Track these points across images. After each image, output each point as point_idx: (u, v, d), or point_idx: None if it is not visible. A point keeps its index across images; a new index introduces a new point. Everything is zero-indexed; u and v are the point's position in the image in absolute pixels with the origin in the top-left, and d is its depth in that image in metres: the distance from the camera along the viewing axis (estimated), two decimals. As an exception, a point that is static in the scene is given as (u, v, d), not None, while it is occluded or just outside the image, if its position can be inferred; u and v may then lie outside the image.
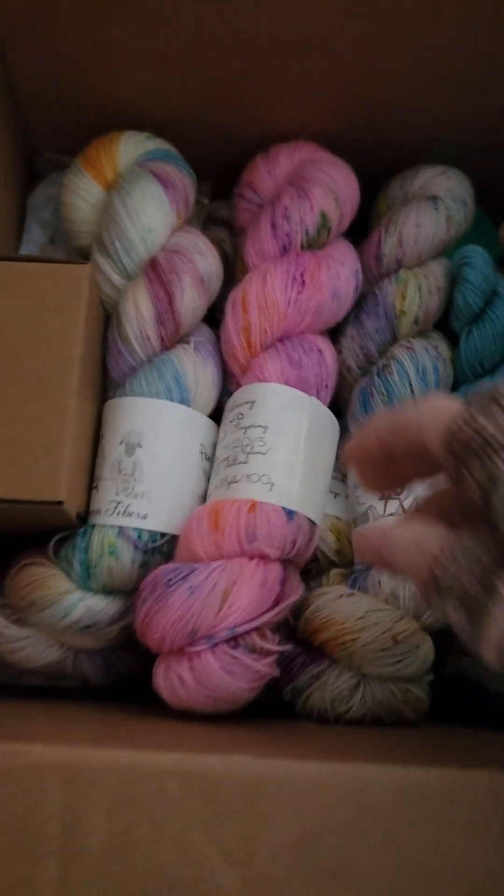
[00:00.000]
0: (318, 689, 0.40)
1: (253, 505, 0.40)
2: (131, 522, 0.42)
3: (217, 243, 0.54)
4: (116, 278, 0.46)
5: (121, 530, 0.42)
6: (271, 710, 0.43)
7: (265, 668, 0.38)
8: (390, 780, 0.29)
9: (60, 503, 0.38)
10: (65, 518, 0.41)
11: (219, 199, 0.57)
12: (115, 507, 0.43)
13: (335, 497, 0.48)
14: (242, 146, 0.53)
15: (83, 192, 0.49)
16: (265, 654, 0.38)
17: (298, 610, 0.42)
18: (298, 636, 0.42)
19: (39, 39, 0.46)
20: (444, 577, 0.25)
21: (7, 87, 0.49)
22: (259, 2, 0.42)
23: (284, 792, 0.29)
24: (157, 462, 0.43)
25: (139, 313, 0.44)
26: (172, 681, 0.37)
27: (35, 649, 0.43)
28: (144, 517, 0.42)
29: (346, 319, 0.52)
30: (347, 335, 0.49)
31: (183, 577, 0.38)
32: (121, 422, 0.44)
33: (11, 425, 0.39)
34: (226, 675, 0.37)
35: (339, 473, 0.49)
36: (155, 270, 0.45)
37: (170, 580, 0.38)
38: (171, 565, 0.40)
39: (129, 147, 0.49)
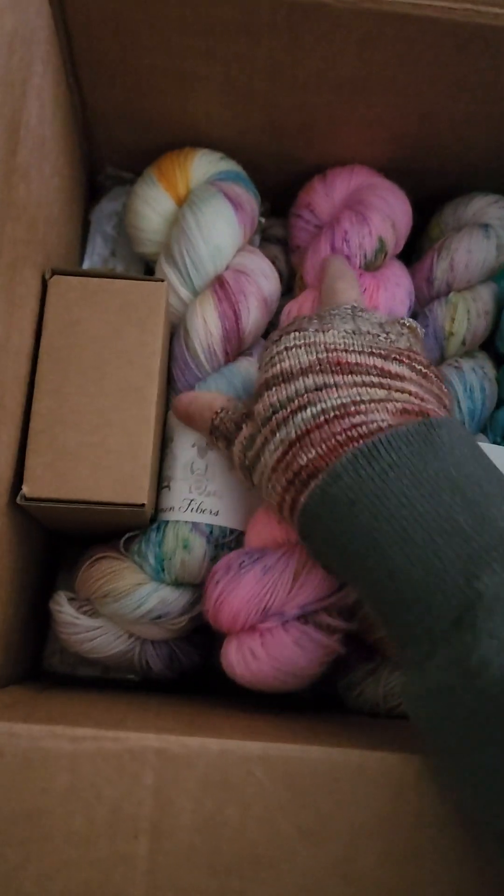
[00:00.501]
0: (372, 684, 0.42)
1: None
2: (204, 519, 0.46)
3: (272, 260, 0.57)
4: (183, 291, 0.49)
5: (194, 525, 0.45)
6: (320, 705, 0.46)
7: (334, 643, 0.41)
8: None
9: (142, 505, 0.41)
10: (141, 518, 0.43)
11: (273, 217, 0.60)
12: (189, 504, 0.46)
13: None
14: (299, 169, 0.56)
15: (154, 202, 0.51)
16: (333, 631, 0.41)
17: (353, 609, 0.45)
18: (352, 635, 0.44)
19: (113, 61, 0.48)
20: (219, 422, 0.42)
21: (78, 104, 0.52)
22: (328, 43, 0.44)
23: (358, 779, 0.32)
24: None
25: (207, 329, 0.47)
26: (244, 655, 0.40)
27: (105, 639, 0.46)
28: (216, 514, 0.46)
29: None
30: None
31: (256, 560, 0.41)
32: None
33: (97, 432, 0.42)
34: (297, 648, 0.39)
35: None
36: (223, 289, 0.48)
37: (242, 562, 0.41)
38: (241, 550, 0.43)
39: (203, 165, 0.51)
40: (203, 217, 0.48)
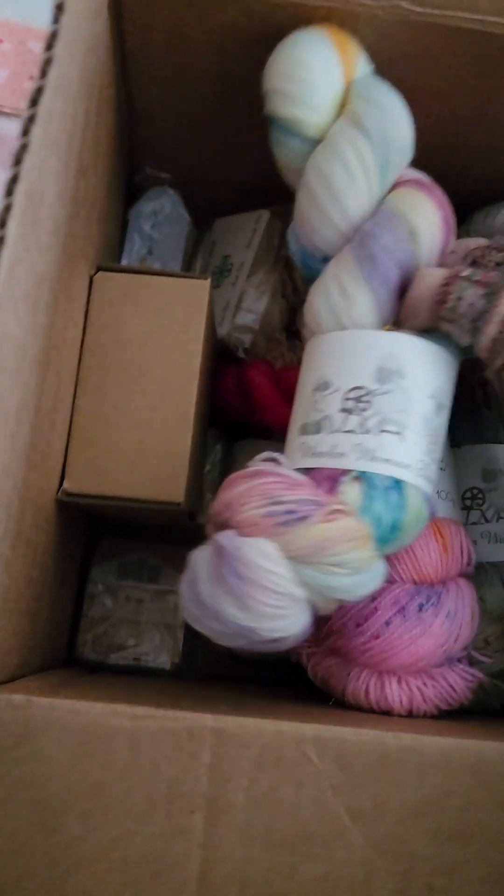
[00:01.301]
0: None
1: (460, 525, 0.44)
2: (430, 489, 0.39)
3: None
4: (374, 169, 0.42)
5: (425, 497, 0.38)
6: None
7: (479, 674, 0.42)
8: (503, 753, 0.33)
9: (179, 504, 0.42)
10: (178, 517, 0.44)
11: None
12: (421, 470, 0.38)
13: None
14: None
15: (327, 66, 0.43)
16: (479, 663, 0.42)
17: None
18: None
19: (164, 63, 0.49)
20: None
21: (125, 104, 0.53)
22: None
23: (410, 762, 0.33)
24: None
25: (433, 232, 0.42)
26: (412, 696, 0.40)
27: (297, 619, 0.36)
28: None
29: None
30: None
31: (435, 603, 0.40)
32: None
33: (137, 430, 0.43)
34: (462, 686, 0.41)
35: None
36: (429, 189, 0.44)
37: (421, 605, 0.40)
38: (409, 588, 0.41)
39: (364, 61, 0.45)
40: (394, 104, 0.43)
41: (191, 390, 0.44)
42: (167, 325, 0.45)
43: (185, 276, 0.47)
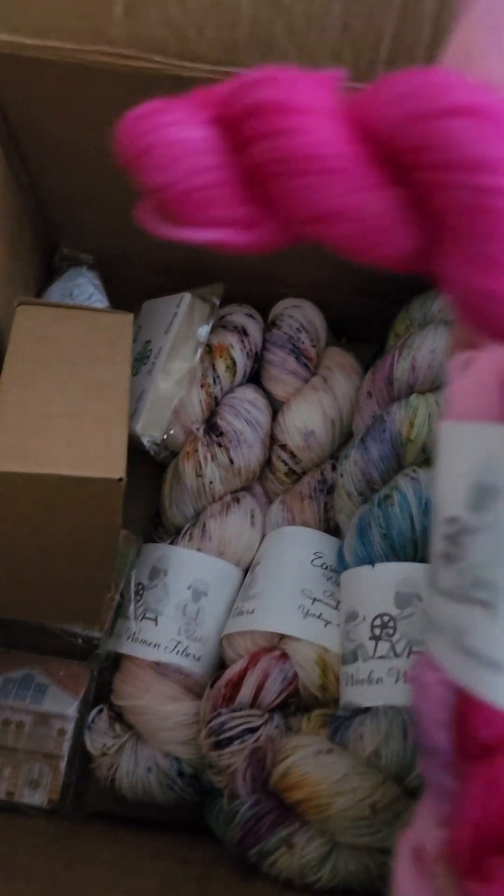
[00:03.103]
0: (287, 855, 0.36)
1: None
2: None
3: (227, 347, 0.54)
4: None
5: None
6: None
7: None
8: None
9: (120, 480, 0.37)
10: (115, 497, 0.39)
11: (232, 304, 0.57)
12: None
13: (326, 626, 0.45)
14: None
15: None
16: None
17: (274, 757, 0.39)
18: (270, 787, 0.38)
19: (56, 141, 0.46)
20: None
21: (26, 185, 0.50)
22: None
23: None
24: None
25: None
26: None
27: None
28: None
29: (349, 442, 0.51)
30: (350, 459, 0.47)
31: None
32: None
33: (70, 418, 0.39)
34: None
35: (335, 600, 0.46)
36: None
37: None
38: None
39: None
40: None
41: (123, 385, 0.41)
42: (95, 341, 0.43)
43: (108, 311, 0.46)
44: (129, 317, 0.45)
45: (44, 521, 0.39)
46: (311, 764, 0.37)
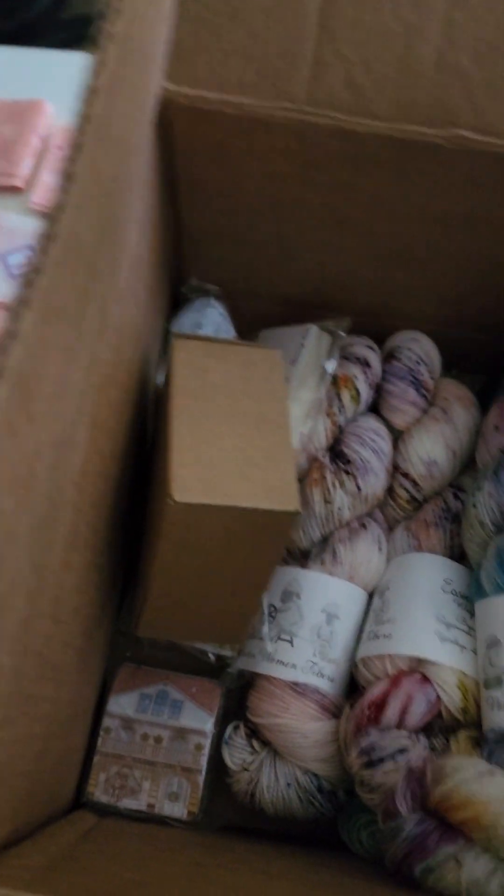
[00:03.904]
0: (453, 870, 0.38)
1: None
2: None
3: (351, 378, 0.56)
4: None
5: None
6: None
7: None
8: None
9: (297, 513, 0.39)
10: (290, 530, 0.41)
11: (354, 334, 0.59)
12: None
13: (462, 650, 0.47)
14: (392, 289, 0.55)
15: None
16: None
17: (433, 776, 0.41)
18: (430, 807, 0.40)
19: (213, 183, 0.48)
20: None
21: (172, 223, 0.52)
22: (434, 179, 0.44)
23: None
24: None
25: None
26: None
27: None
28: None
29: (469, 471, 0.53)
30: (484, 490, 0.49)
31: None
32: None
33: (240, 452, 0.41)
34: None
35: (466, 625, 0.48)
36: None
37: None
38: None
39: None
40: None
41: (284, 420, 0.43)
42: (250, 374, 0.44)
43: (258, 346, 0.46)
44: (278, 353, 0.46)
45: (216, 550, 0.41)
46: (475, 784, 0.39)
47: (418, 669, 0.47)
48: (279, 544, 0.42)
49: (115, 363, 0.40)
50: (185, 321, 0.57)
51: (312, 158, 0.43)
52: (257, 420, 0.42)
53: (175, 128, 0.43)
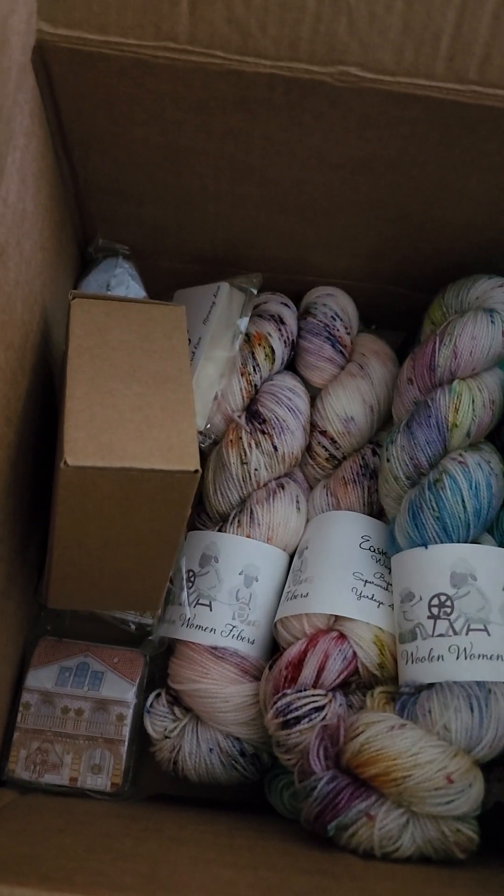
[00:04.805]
0: (366, 826, 0.38)
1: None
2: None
3: (266, 336, 0.55)
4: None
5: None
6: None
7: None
8: None
9: (196, 471, 0.38)
10: (188, 490, 0.39)
11: (267, 292, 0.58)
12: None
13: (378, 606, 0.46)
14: (297, 245, 0.54)
15: None
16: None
17: (346, 733, 0.40)
18: (343, 764, 0.40)
19: (105, 134, 0.46)
20: None
21: (69, 176, 0.50)
22: (327, 121, 0.42)
23: None
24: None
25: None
26: None
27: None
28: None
29: (389, 427, 0.52)
30: (397, 444, 0.48)
31: None
32: None
33: (137, 411, 0.39)
34: None
35: (385, 581, 0.48)
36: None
37: None
38: None
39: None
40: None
41: (186, 379, 0.41)
42: (152, 333, 0.43)
43: (160, 303, 0.45)
44: (182, 309, 0.45)
45: (117, 513, 0.40)
46: (385, 739, 0.39)
47: (335, 627, 0.46)
48: (182, 506, 0.40)
49: (4, 323, 0.38)
50: (93, 282, 0.55)
51: (202, 102, 0.42)
52: (157, 378, 0.41)
53: (54, 72, 0.41)
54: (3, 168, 0.36)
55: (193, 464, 0.38)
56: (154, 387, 0.40)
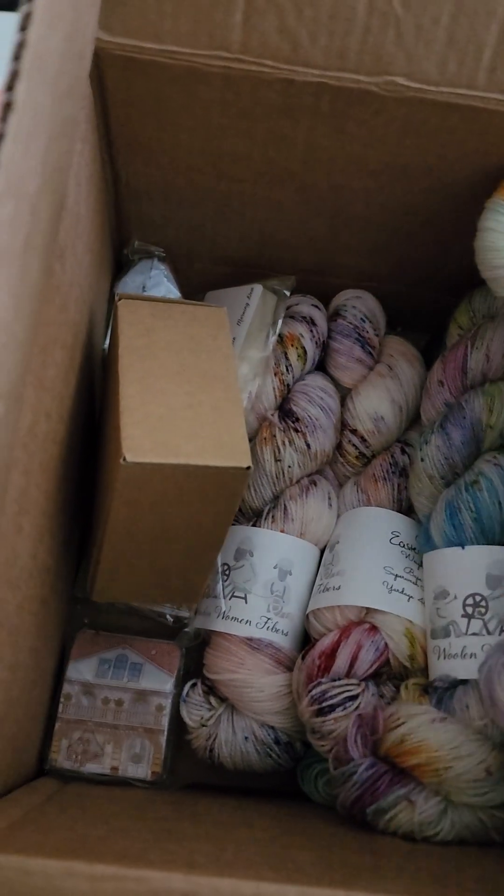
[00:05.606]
0: (405, 811, 0.39)
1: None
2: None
3: (298, 337, 0.56)
4: None
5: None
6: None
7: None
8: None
9: (248, 468, 0.39)
10: (240, 486, 0.40)
11: (298, 294, 0.59)
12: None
13: (409, 600, 0.48)
14: (331, 248, 0.55)
15: None
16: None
17: (385, 723, 0.42)
18: (382, 752, 0.41)
19: (150, 139, 0.47)
20: None
21: (111, 180, 0.51)
22: (369, 128, 0.44)
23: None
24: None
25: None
26: None
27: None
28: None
29: (416, 426, 0.54)
30: (432, 444, 0.49)
31: None
32: None
33: (188, 409, 0.41)
34: None
35: (414, 576, 0.49)
36: None
37: None
38: None
39: None
40: None
41: (232, 378, 0.42)
42: (197, 333, 0.44)
43: (203, 305, 0.46)
44: (224, 310, 0.46)
45: (168, 508, 0.41)
46: (427, 731, 0.40)
47: (367, 619, 0.48)
48: (232, 501, 0.42)
49: (59, 323, 0.40)
50: (130, 283, 0.56)
51: (248, 109, 0.43)
52: (205, 377, 0.42)
53: (109, 80, 0.42)
54: (69, 171, 0.37)
55: (246, 460, 0.39)
56: (203, 386, 0.42)
